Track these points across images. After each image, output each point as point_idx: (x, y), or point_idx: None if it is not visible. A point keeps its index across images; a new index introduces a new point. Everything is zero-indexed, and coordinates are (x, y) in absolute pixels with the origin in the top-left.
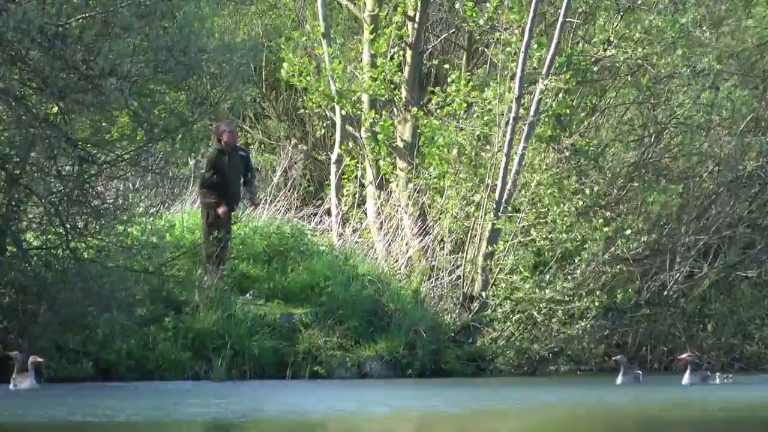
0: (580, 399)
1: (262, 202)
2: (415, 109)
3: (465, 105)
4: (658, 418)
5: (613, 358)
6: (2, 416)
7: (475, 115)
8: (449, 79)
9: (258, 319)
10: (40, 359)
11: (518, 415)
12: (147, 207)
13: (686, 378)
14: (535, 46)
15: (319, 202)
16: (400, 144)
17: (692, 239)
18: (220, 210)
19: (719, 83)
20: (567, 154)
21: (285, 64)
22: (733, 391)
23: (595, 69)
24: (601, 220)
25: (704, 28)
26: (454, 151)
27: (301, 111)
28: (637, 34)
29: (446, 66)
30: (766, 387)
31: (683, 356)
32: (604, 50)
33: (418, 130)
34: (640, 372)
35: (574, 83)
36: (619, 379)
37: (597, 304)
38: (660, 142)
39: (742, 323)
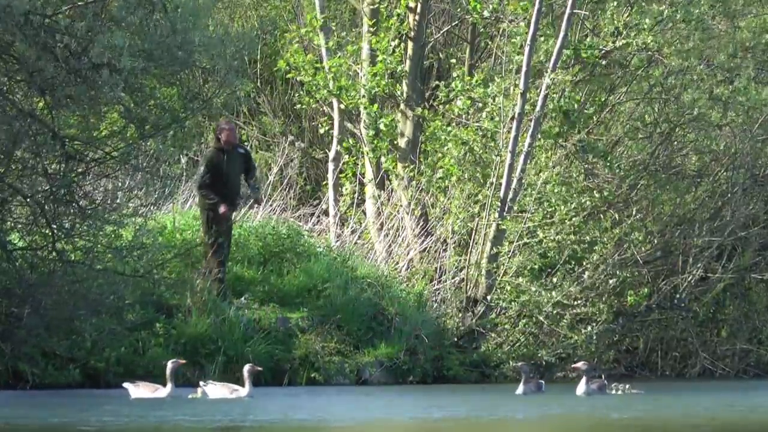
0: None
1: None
2: (419, 109)
3: (469, 102)
4: None
5: (515, 364)
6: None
7: (479, 112)
8: (453, 74)
9: (253, 323)
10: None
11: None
12: (137, 207)
13: (581, 387)
14: (542, 39)
15: (317, 201)
16: (402, 141)
17: (705, 240)
18: (221, 209)
19: (735, 79)
20: (575, 151)
21: (290, 52)
22: (624, 402)
23: (604, 63)
24: (610, 222)
25: (718, 20)
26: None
27: (298, 106)
28: (648, 21)
29: (453, 61)
30: (663, 397)
31: (577, 364)
32: (614, 42)
33: (421, 128)
34: (542, 381)
35: (582, 77)
36: (520, 389)
37: (606, 307)
38: (671, 140)
39: (757, 328)
